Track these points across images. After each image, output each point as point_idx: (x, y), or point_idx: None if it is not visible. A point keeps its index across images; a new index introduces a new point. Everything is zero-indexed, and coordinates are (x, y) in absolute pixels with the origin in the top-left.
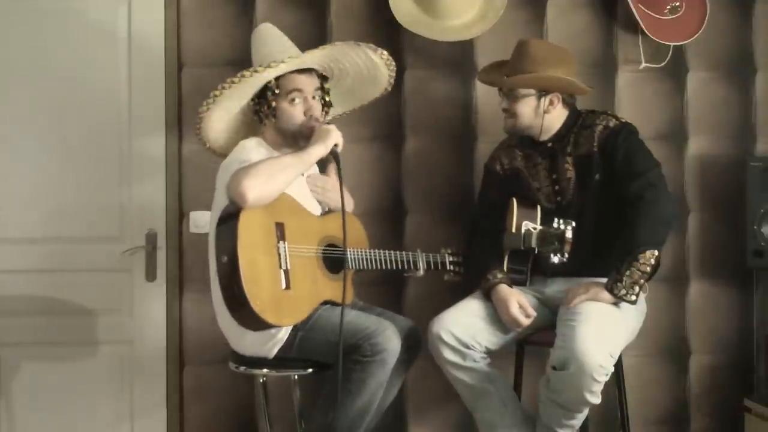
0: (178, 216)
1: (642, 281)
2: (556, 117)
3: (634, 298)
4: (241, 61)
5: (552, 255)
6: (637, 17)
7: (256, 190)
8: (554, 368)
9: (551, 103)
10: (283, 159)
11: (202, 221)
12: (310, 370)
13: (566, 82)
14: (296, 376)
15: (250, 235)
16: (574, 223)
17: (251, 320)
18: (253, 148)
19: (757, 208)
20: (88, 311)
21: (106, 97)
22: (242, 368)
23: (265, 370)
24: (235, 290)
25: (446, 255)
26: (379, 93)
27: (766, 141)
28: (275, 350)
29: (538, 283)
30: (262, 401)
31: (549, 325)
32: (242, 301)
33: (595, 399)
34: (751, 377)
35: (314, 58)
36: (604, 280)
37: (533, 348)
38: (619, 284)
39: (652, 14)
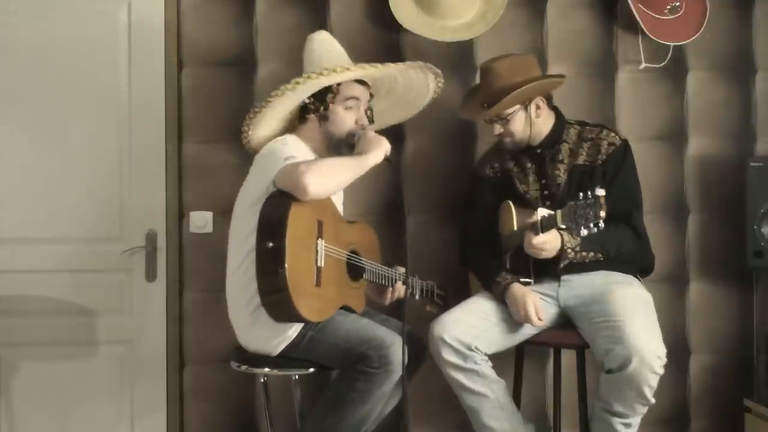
0: (178, 216)
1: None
2: (545, 120)
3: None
4: (242, 60)
5: (583, 228)
6: (637, 17)
7: (318, 185)
8: (610, 371)
9: (538, 107)
10: (345, 160)
11: (202, 221)
12: (312, 369)
13: (540, 84)
14: (297, 376)
15: (298, 227)
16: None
17: (283, 308)
18: (292, 144)
19: (757, 208)
20: (88, 311)
21: (106, 96)
22: (244, 367)
23: (266, 370)
24: (276, 275)
25: (434, 287)
26: (404, 119)
27: (766, 141)
28: (281, 347)
29: (547, 284)
30: (264, 401)
31: (554, 325)
32: (281, 287)
33: (651, 396)
34: (751, 377)
35: (379, 71)
36: (623, 275)
37: (533, 348)
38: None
39: (652, 14)
